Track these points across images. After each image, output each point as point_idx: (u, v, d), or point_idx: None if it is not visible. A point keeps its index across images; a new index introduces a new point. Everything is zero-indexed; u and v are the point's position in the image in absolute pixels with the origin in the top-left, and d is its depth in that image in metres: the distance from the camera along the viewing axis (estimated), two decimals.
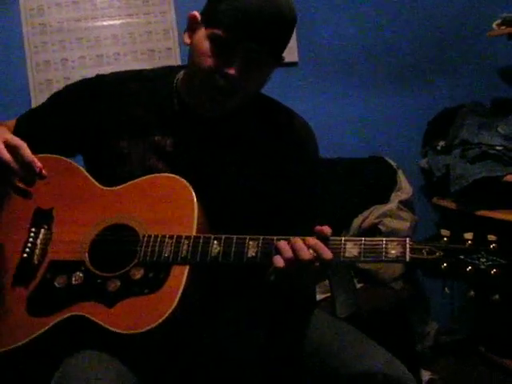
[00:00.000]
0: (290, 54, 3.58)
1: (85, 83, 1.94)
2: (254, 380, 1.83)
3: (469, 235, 1.54)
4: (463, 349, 3.74)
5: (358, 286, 3.21)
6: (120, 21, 3.47)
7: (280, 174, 1.85)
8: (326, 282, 3.01)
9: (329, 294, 2.97)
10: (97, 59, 3.47)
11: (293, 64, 3.61)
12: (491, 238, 1.53)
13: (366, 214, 3.34)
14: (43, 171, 1.67)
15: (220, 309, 1.86)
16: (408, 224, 3.32)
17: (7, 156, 1.63)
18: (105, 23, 3.47)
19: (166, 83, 1.88)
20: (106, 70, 3.27)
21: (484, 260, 1.50)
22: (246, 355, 1.83)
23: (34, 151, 1.81)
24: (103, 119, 1.85)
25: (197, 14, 1.76)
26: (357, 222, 3.33)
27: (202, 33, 1.72)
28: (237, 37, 1.66)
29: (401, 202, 3.39)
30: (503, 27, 3.47)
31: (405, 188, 3.47)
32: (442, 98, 3.76)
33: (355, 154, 3.59)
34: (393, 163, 3.55)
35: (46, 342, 1.68)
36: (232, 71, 1.66)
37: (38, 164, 1.66)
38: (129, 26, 3.47)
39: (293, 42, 3.56)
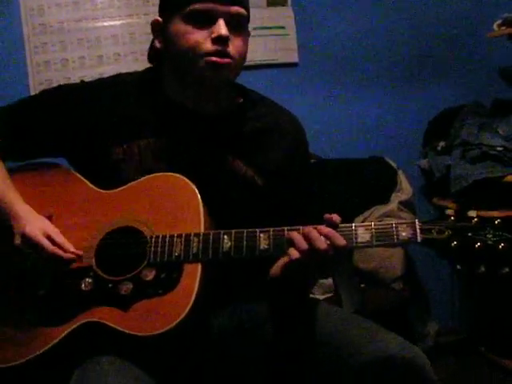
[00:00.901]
0: (290, 55, 3.60)
1: (70, 88, 1.93)
2: (261, 375, 1.82)
3: (473, 213, 1.57)
4: (463, 349, 3.74)
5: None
6: (120, 21, 3.48)
7: (277, 170, 1.85)
8: (328, 281, 3.02)
9: (329, 295, 2.98)
10: (97, 59, 3.47)
11: (293, 65, 3.63)
12: (496, 214, 1.57)
13: (366, 214, 3.35)
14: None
15: (228, 304, 1.86)
16: None
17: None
18: (105, 23, 3.47)
19: (153, 83, 1.87)
20: (107, 70, 3.35)
21: (491, 236, 1.53)
22: (253, 351, 1.81)
23: (10, 150, 1.88)
24: (95, 126, 1.83)
25: (157, 18, 1.83)
26: (357, 222, 3.32)
27: (173, 23, 1.76)
28: (217, 2, 1.71)
29: (401, 202, 3.39)
30: (504, 28, 3.47)
31: (405, 188, 3.47)
32: (442, 98, 3.76)
33: (355, 155, 3.59)
34: (393, 164, 3.55)
35: (61, 351, 1.67)
36: (224, 31, 1.70)
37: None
38: (129, 27, 3.47)
39: (293, 43, 3.58)
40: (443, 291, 3.85)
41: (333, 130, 3.64)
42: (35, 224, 1.76)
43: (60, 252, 1.72)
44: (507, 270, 1.53)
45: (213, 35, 1.70)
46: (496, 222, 1.54)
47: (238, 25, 1.75)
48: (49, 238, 1.74)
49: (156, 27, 1.82)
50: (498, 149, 3.29)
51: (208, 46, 1.71)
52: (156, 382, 1.63)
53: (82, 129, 1.83)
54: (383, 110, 3.76)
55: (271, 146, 1.87)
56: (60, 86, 1.96)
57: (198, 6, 1.71)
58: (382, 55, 3.73)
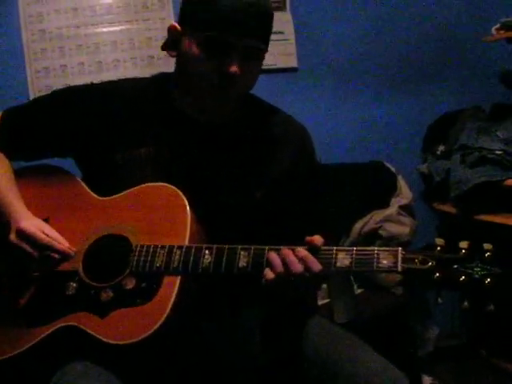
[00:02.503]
0: (290, 60, 3.60)
1: (80, 90, 1.93)
2: None
3: (464, 244, 1.51)
4: (464, 353, 3.74)
5: (359, 291, 3.22)
6: (120, 27, 3.47)
7: (280, 179, 1.84)
8: (324, 286, 3.01)
9: (328, 300, 2.97)
10: (96, 65, 3.47)
11: (293, 70, 3.62)
12: (487, 247, 1.50)
13: (366, 219, 3.34)
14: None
15: (214, 315, 1.85)
16: (408, 229, 3.32)
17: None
18: (104, 30, 3.46)
19: (160, 91, 1.87)
20: (106, 76, 3.36)
21: (478, 269, 1.47)
22: (241, 361, 1.83)
23: (18, 149, 1.90)
24: (97, 130, 1.84)
25: (176, 24, 1.79)
26: (357, 227, 3.33)
27: (188, 40, 1.73)
28: (234, 35, 1.67)
29: (401, 206, 3.39)
30: (502, 31, 3.47)
31: (405, 193, 3.47)
32: (441, 103, 3.77)
33: (355, 159, 3.59)
34: (393, 168, 3.55)
35: (41, 352, 1.69)
36: (233, 69, 1.67)
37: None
38: (128, 33, 3.46)
39: (292, 48, 3.58)
40: (444, 294, 3.83)
41: (332, 135, 3.64)
42: (31, 221, 1.79)
43: (54, 243, 1.75)
44: (492, 307, 1.47)
45: (222, 68, 1.69)
46: (486, 255, 1.48)
47: (252, 57, 1.73)
48: (43, 232, 1.77)
49: (173, 33, 1.80)
50: (498, 152, 3.29)
51: (215, 78, 1.71)
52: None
53: (88, 131, 1.84)
54: (382, 114, 3.76)
55: (276, 156, 1.87)
56: (70, 87, 1.97)
57: (213, 34, 1.69)
58: (381, 60, 3.73)
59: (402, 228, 3.31)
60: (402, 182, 3.50)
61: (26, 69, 3.43)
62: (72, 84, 2.02)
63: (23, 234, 1.75)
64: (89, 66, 3.47)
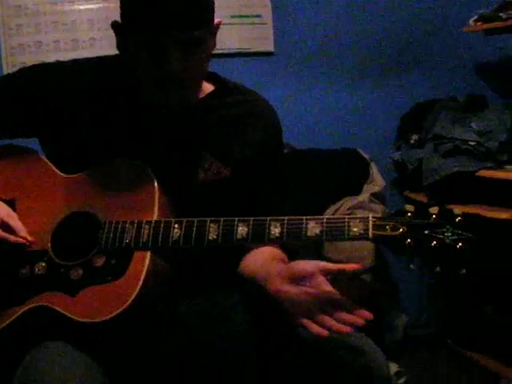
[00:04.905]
0: (266, 43, 3.59)
1: (47, 67, 1.89)
2: (232, 363, 1.79)
3: (434, 209, 1.50)
4: (432, 342, 3.77)
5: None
6: (96, 5, 3.44)
7: (248, 158, 1.85)
8: None
9: None
10: (72, 43, 3.44)
11: (268, 54, 3.62)
12: (457, 212, 1.50)
13: (337, 205, 3.35)
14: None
15: (195, 293, 1.84)
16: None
17: None
18: (81, 7, 3.43)
19: (129, 71, 1.81)
20: (81, 54, 3.31)
21: (449, 234, 1.46)
22: (219, 340, 1.80)
23: None
24: (63, 108, 1.81)
25: (118, 21, 1.72)
26: (329, 212, 3.33)
27: (129, 38, 1.69)
28: (158, 33, 1.62)
29: (373, 194, 3.40)
30: (480, 23, 3.48)
31: (377, 180, 3.48)
32: (416, 92, 3.77)
33: (329, 146, 3.59)
34: (366, 156, 3.55)
35: (12, 334, 1.67)
36: (171, 66, 1.64)
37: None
38: (105, 11, 3.42)
39: (269, 32, 3.57)
40: (412, 283, 3.86)
41: (307, 121, 3.64)
42: None
43: (6, 236, 1.72)
44: (464, 271, 1.46)
45: (164, 68, 1.65)
46: (457, 220, 1.47)
47: (193, 45, 1.67)
48: (2, 222, 1.73)
49: (117, 29, 1.74)
50: (471, 143, 3.30)
51: (158, 74, 1.68)
52: (105, 368, 1.63)
53: (54, 109, 1.81)
54: (357, 101, 3.75)
55: (245, 133, 1.86)
56: (37, 65, 1.92)
57: (145, 35, 1.63)
58: (357, 47, 3.73)
59: (373, 215, 3.31)
60: (374, 170, 3.51)
61: (0, 45, 3.39)
62: (47, 61, 1.99)
63: None
64: (65, 44, 3.43)
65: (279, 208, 1.79)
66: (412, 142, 3.59)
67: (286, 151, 3.05)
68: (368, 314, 1.51)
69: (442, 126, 3.43)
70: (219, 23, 1.77)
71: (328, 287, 1.55)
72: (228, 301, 1.83)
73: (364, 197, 3.37)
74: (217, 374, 1.78)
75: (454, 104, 3.59)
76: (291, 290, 1.57)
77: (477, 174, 3.25)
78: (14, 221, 1.75)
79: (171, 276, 1.72)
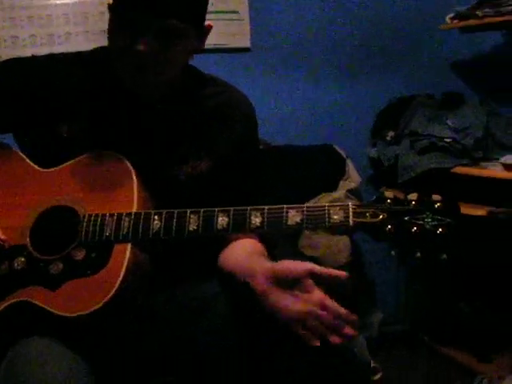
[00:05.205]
0: (243, 39, 3.59)
1: (23, 61, 1.88)
2: (211, 362, 1.76)
3: (413, 196, 1.53)
4: (407, 338, 3.78)
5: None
6: (72, 0, 3.42)
7: (226, 151, 1.85)
8: None
9: None
10: (48, 38, 3.41)
11: (245, 50, 3.61)
12: (436, 197, 1.52)
13: (314, 201, 3.35)
14: None
15: (172, 285, 1.83)
16: None
17: None
18: (57, 2, 3.41)
19: (105, 65, 1.82)
20: (57, 49, 3.30)
21: (429, 220, 1.48)
22: (200, 329, 1.76)
23: None
24: (40, 102, 1.80)
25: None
26: None
27: (110, 18, 1.71)
28: (144, 15, 1.62)
29: (349, 190, 3.41)
30: (456, 21, 3.49)
31: (353, 177, 3.48)
32: (392, 88, 3.78)
33: (305, 142, 3.59)
34: (342, 152, 3.55)
35: None
36: (142, 47, 1.63)
37: None
38: (81, 6, 3.42)
39: (246, 28, 3.57)
40: (388, 280, 3.88)
41: (283, 117, 3.64)
42: None
43: None
44: (445, 256, 1.49)
45: (134, 47, 1.64)
46: (436, 206, 1.50)
47: (170, 36, 1.66)
48: None
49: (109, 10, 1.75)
50: (447, 140, 3.32)
51: (127, 58, 1.68)
52: (89, 366, 1.61)
53: (29, 103, 1.80)
54: (333, 97, 3.76)
55: (224, 126, 1.86)
56: (12, 59, 1.91)
57: (122, 12, 1.65)
58: (333, 44, 3.74)
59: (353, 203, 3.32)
60: (350, 166, 3.51)
61: None
62: (23, 56, 1.97)
63: None
64: (40, 39, 3.41)
65: (258, 202, 1.79)
66: (388, 138, 3.60)
67: (261, 147, 3.05)
68: (355, 319, 1.52)
69: (418, 122, 3.44)
70: (209, 26, 1.77)
71: (318, 292, 1.55)
72: (208, 292, 1.80)
73: (340, 193, 3.37)
74: (200, 368, 1.76)
75: (430, 101, 3.60)
76: (280, 294, 1.57)
77: (452, 170, 3.27)
78: None
79: (150, 268, 1.71)
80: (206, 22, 1.76)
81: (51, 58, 1.90)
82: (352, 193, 3.41)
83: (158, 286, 1.78)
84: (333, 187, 3.42)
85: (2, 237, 1.71)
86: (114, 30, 1.70)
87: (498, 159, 3.20)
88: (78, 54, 1.91)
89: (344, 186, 3.43)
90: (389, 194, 1.56)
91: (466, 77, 3.88)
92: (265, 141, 3.33)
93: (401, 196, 3.15)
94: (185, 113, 1.85)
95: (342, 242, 3.31)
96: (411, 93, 3.69)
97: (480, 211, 3.07)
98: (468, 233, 1.52)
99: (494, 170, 3.18)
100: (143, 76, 1.71)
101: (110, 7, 1.71)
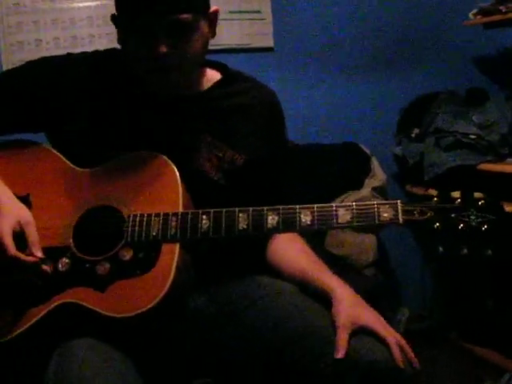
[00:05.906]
0: (266, 39, 3.58)
1: (54, 60, 1.92)
2: (241, 361, 1.77)
3: (456, 194, 1.57)
4: (434, 336, 3.76)
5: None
6: (95, 2, 3.43)
7: (257, 146, 1.86)
8: None
9: None
10: (71, 40, 3.42)
11: (268, 49, 3.61)
12: (478, 195, 1.56)
13: (340, 200, 3.34)
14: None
15: (208, 287, 1.84)
16: None
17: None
18: (80, 4, 3.42)
19: (124, 64, 1.83)
20: (81, 51, 3.29)
21: (474, 217, 1.53)
22: (232, 335, 1.78)
23: None
24: (72, 100, 1.82)
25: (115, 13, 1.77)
26: None
27: (121, 27, 1.75)
28: (143, 16, 1.64)
29: (374, 188, 3.39)
30: (479, 17, 3.48)
31: (378, 175, 3.47)
32: (417, 85, 3.77)
33: (329, 141, 3.59)
34: (367, 150, 3.55)
35: (39, 333, 1.64)
36: (162, 49, 1.65)
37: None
38: (104, 8, 3.41)
39: (269, 28, 3.57)
40: (415, 278, 3.87)
41: (307, 116, 3.63)
42: (9, 217, 1.69)
43: (21, 257, 1.64)
44: (490, 252, 1.53)
45: (151, 52, 1.67)
46: (479, 203, 1.54)
47: (182, 30, 1.69)
48: (20, 227, 1.68)
49: (114, 22, 1.79)
50: (472, 137, 3.31)
51: (149, 64, 1.70)
52: (137, 366, 1.61)
53: (59, 102, 1.82)
54: (358, 96, 3.75)
55: (254, 120, 1.87)
56: (45, 58, 1.94)
57: (132, 21, 1.67)
58: (357, 41, 3.73)
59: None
60: (375, 164, 3.50)
61: (0, 43, 3.38)
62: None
63: None
64: (64, 41, 3.42)
65: (289, 197, 1.81)
66: (413, 136, 3.59)
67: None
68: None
69: (442, 119, 3.43)
70: (216, 11, 1.79)
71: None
72: (243, 301, 1.80)
73: (366, 191, 3.37)
74: (227, 373, 1.78)
75: (454, 98, 3.59)
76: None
77: (478, 167, 3.26)
78: (32, 234, 1.69)
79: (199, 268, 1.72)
80: (212, 8, 1.78)
81: (66, 58, 1.92)
82: (377, 191, 3.39)
83: (199, 286, 1.79)
84: (358, 185, 3.41)
85: (41, 255, 1.67)
86: (126, 38, 1.72)
87: None
88: (94, 53, 1.93)
89: (369, 183, 3.42)
90: (433, 191, 1.62)
91: (490, 73, 3.86)
92: (289, 140, 3.33)
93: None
94: (216, 108, 1.86)
95: (368, 240, 3.30)
96: (435, 89, 3.67)
97: (506, 208, 3.05)
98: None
99: None
100: (166, 76, 1.73)
101: (116, 17, 1.74)
